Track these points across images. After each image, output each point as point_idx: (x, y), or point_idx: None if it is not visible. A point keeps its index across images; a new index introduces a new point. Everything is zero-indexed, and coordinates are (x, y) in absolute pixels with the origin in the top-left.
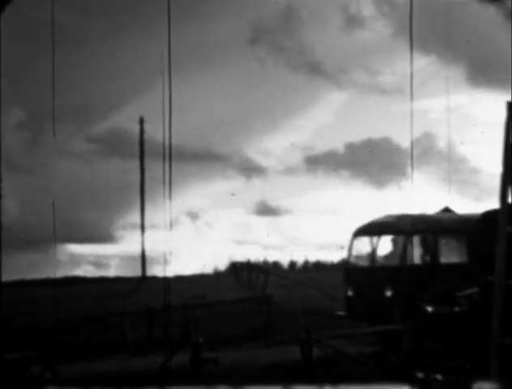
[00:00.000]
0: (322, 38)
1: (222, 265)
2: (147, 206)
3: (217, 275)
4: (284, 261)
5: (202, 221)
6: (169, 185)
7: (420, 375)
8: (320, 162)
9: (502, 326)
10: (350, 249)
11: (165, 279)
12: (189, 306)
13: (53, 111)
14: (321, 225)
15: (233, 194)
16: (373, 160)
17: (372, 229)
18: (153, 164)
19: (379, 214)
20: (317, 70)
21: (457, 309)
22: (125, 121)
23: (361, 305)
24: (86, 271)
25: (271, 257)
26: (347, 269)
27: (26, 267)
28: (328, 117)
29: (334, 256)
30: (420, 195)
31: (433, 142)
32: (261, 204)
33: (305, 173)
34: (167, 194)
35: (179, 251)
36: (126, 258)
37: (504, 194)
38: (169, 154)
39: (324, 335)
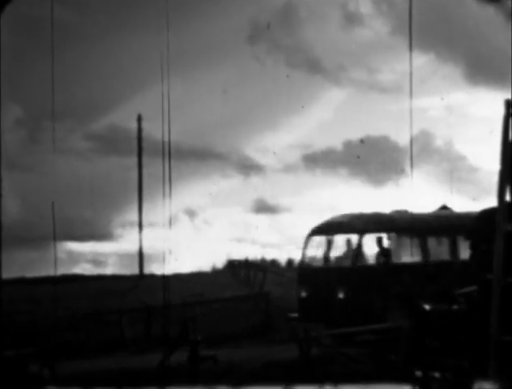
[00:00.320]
0: (320, 36)
1: (220, 263)
2: (146, 204)
3: (215, 273)
4: (282, 259)
5: (201, 219)
6: (169, 183)
7: (418, 374)
8: (318, 160)
9: (501, 323)
10: (304, 249)
11: (164, 277)
12: (188, 304)
13: (53, 109)
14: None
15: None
16: (369, 159)
17: (327, 229)
18: (152, 161)
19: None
20: (316, 68)
21: (455, 307)
22: (123, 118)
23: (314, 307)
24: (84, 268)
25: (269, 255)
26: (300, 269)
27: (25, 265)
28: (327, 115)
29: None
30: (418, 193)
31: (431, 140)
32: (259, 202)
33: (304, 171)
34: (165, 191)
35: (177, 249)
36: (124, 256)
37: (502, 192)
38: (168, 152)
39: (322, 334)
